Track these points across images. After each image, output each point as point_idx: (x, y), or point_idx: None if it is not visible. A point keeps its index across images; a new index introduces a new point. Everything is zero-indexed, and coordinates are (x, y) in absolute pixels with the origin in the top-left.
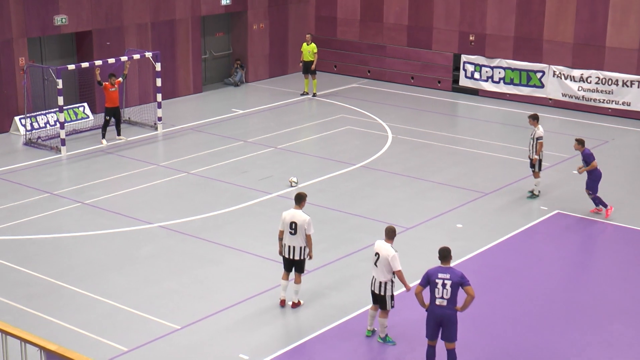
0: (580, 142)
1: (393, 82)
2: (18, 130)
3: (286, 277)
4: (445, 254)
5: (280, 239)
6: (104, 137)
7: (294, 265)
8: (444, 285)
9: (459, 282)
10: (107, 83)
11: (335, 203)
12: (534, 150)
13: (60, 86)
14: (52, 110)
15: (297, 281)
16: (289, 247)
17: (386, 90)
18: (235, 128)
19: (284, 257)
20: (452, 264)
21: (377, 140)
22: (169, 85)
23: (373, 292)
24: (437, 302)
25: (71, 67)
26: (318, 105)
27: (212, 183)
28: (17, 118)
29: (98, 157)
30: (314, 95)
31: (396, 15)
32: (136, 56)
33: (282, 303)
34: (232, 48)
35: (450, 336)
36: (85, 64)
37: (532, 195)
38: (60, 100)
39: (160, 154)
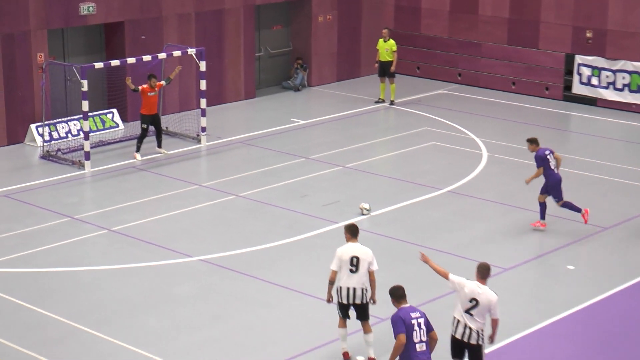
0: (532, 142)
1: (489, 88)
2: (34, 140)
3: (343, 325)
4: (401, 293)
5: (332, 283)
6: (138, 150)
7: (357, 312)
8: (419, 325)
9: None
10: (145, 86)
11: (414, 236)
12: None
13: (85, 88)
14: (75, 117)
15: (367, 330)
16: (349, 289)
17: (481, 98)
18: (295, 142)
19: (340, 303)
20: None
21: (469, 159)
22: (215, 88)
23: (462, 343)
24: (418, 347)
25: (99, 65)
26: (396, 116)
27: (265, 208)
28: (33, 126)
29: (129, 174)
30: (392, 103)
31: (494, 6)
32: (177, 53)
33: (346, 356)
34: (292, 44)
35: None
36: (115, 62)
37: None
38: (85, 105)
39: (204, 172)
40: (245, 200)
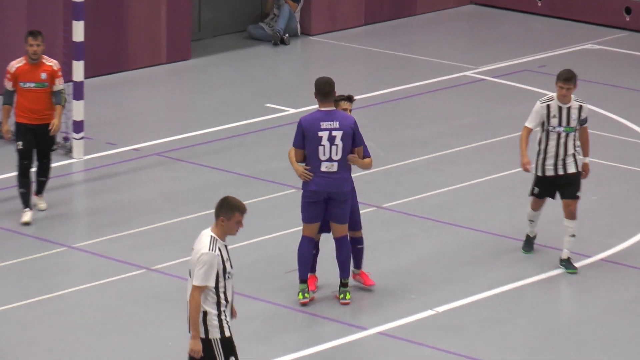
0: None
1: None
2: None
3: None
4: (327, 90)
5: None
6: (25, 203)
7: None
8: (332, 139)
9: (354, 129)
10: (19, 65)
11: None
12: None
13: None
14: None
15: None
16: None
17: None
18: (275, 154)
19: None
20: None
21: None
22: (109, 41)
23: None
24: (324, 167)
25: None
26: (494, 94)
27: None
28: None
29: None
30: None
31: None
32: None
33: None
34: None
35: (343, 216)
36: None
37: None
38: None
39: (64, 234)
40: (161, 277)
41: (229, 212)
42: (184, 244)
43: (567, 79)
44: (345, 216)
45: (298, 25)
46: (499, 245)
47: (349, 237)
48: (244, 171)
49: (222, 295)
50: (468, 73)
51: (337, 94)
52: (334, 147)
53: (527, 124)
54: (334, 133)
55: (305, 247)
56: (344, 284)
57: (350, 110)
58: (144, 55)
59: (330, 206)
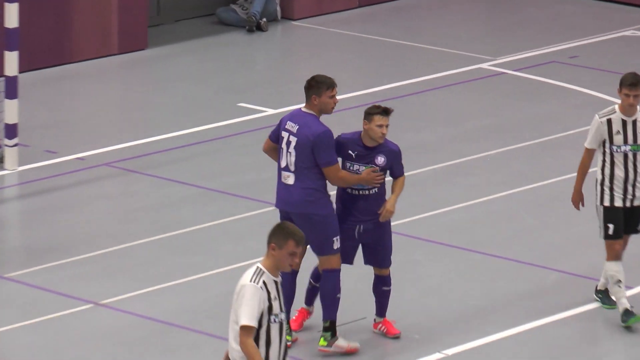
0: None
1: None
2: None
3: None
4: (311, 84)
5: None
6: None
7: None
8: (288, 143)
9: (312, 144)
10: None
11: None
12: None
13: None
14: None
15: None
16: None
17: None
18: (252, 162)
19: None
20: None
21: None
22: (51, 31)
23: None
24: (282, 176)
25: None
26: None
27: None
28: None
29: None
30: None
31: None
32: None
33: None
34: None
35: (319, 245)
36: None
37: None
38: None
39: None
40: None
41: (282, 239)
42: (138, 273)
43: (633, 84)
44: (322, 245)
45: (278, 8)
46: (520, 275)
47: (375, 274)
48: (211, 185)
49: (261, 342)
50: (484, 65)
51: (373, 106)
52: (288, 155)
53: (587, 145)
54: (290, 138)
55: (285, 277)
56: (324, 326)
57: (387, 127)
58: (91, 44)
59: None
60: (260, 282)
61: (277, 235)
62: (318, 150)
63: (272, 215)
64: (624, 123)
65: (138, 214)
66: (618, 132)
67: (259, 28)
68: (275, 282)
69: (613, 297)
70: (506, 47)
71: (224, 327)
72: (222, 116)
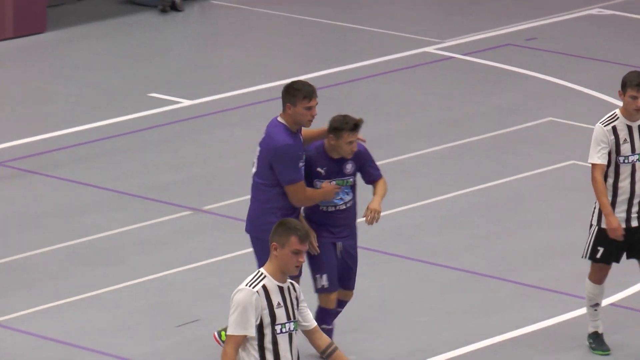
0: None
1: None
2: None
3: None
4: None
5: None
6: None
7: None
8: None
9: (270, 158)
10: None
11: None
12: None
13: None
14: None
15: None
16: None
17: None
18: (166, 160)
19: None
20: None
21: None
22: None
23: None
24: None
25: None
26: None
27: None
28: None
29: None
30: None
31: None
32: None
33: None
34: None
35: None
36: None
37: None
38: None
39: None
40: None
41: (283, 236)
42: (41, 287)
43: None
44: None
45: None
46: (473, 288)
47: (338, 299)
48: (121, 187)
49: (268, 355)
50: (430, 49)
51: (340, 119)
52: (253, 166)
53: (595, 161)
54: (257, 147)
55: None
56: None
57: (364, 141)
58: None
59: None
60: (258, 287)
61: (278, 233)
62: (277, 166)
63: (189, 221)
64: (630, 129)
65: (39, 219)
66: (625, 140)
67: (174, 7)
68: (281, 288)
69: (587, 316)
70: (455, 28)
71: (136, 348)
72: (131, 108)
